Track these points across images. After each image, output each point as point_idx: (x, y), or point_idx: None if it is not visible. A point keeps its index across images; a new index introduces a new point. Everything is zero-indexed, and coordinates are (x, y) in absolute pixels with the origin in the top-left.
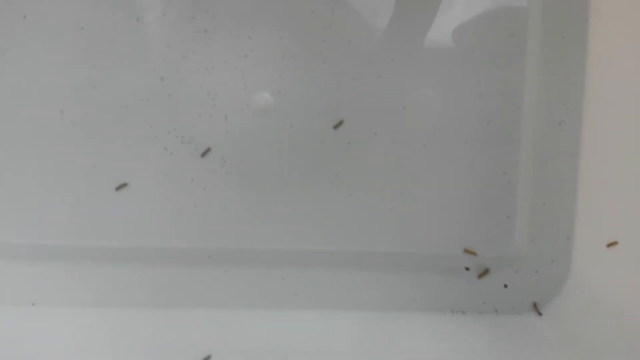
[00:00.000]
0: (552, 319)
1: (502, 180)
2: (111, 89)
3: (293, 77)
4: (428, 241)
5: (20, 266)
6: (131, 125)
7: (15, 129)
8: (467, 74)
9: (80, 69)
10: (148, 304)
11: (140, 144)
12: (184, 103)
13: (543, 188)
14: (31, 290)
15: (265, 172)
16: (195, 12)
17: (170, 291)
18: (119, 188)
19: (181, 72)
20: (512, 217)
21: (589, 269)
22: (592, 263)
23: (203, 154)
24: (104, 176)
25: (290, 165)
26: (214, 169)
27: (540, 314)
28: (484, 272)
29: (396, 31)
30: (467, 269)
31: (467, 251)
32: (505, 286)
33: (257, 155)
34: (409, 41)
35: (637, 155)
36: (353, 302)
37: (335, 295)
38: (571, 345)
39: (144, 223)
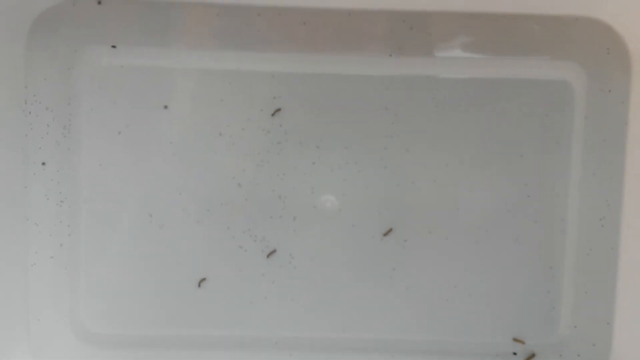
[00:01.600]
0: None
1: (549, 274)
2: (195, 195)
3: (356, 182)
4: (479, 330)
5: (109, 353)
6: (211, 227)
7: (110, 230)
8: (516, 178)
9: (168, 179)
10: None
11: (218, 242)
12: (257, 206)
13: (585, 278)
14: None
15: (328, 267)
16: (270, 126)
17: None
18: (200, 283)
19: (256, 179)
20: (557, 308)
21: (629, 353)
22: (631, 347)
23: (268, 255)
24: (187, 272)
25: (352, 261)
26: (282, 264)
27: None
28: (531, 357)
29: (450, 140)
30: (515, 353)
31: (516, 340)
32: None
33: (322, 252)
34: (463, 150)
35: None
36: None
37: None
38: None
39: (219, 313)
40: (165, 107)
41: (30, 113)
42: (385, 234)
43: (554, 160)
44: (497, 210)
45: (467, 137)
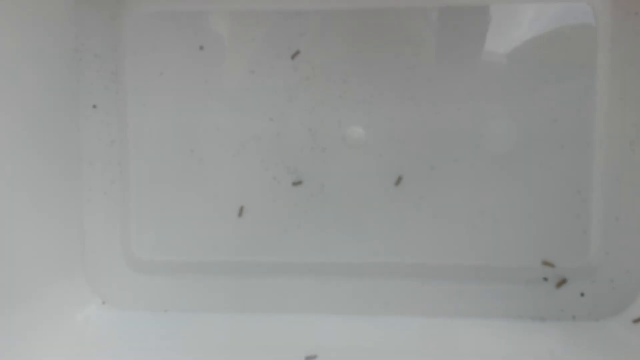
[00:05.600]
0: (628, 325)
1: (577, 198)
2: (230, 130)
3: (382, 113)
4: (508, 255)
5: (156, 278)
6: (246, 160)
7: (156, 166)
8: (542, 103)
9: (206, 116)
10: (260, 309)
11: (253, 175)
12: (289, 139)
13: (616, 204)
14: (164, 299)
15: (358, 196)
16: (298, 63)
17: (278, 298)
18: (238, 213)
19: (287, 114)
20: (587, 232)
21: None
22: None
23: (295, 184)
24: (225, 202)
25: (380, 190)
26: (314, 194)
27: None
28: (562, 282)
29: (475, 68)
30: (546, 279)
31: (545, 263)
32: (582, 295)
33: (351, 182)
34: (487, 77)
35: None
36: (438, 310)
37: (423, 304)
38: None
39: (256, 241)
40: (201, 48)
41: (80, 60)
42: (397, 183)
43: (579, 84)
44: (523, 136)
45: (490, 64)
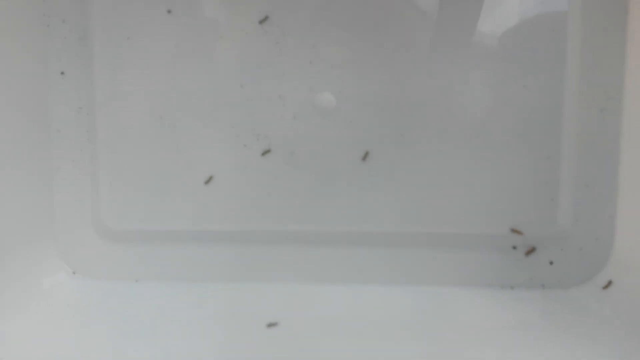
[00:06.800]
0: (596, 293)
1: (546, 164)
2: (200, 97)
3: (353, 79)
4: (478, 222)
5: (127, 248)
6: (217, 127)
7: (125, 133)
8: (512, 69)
9: (175, 82)
10: (232, 279)
11: (224, 142)
12: (259, 106)
13: (585, 171)
14: (135, 268)
15: (328, 163)
16: (268, 27)
17: (248, 267)
18: (207, 181)
19: (257, 80)
20: (556, 199)
21: (632, 246)
22: (634, 240)
23: (263, 154)
24: (196, 170)
25: (351, 157)
26: (284, 161)
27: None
28: (531, 250)
29: (445, 34)
30: (515, 247)
31: (514, 231)
32: (551, 263)
33: (321, 149)
34: (458, 43)
35: None
36: (411, 278)
37: (395, 272)
38: (614, 318)
39: (227, 209)
40: (169, 11)
41: (48, 26)
42: (363, 158)
43: (550, 50)
44: (493, 101)
45: (461, 31)
